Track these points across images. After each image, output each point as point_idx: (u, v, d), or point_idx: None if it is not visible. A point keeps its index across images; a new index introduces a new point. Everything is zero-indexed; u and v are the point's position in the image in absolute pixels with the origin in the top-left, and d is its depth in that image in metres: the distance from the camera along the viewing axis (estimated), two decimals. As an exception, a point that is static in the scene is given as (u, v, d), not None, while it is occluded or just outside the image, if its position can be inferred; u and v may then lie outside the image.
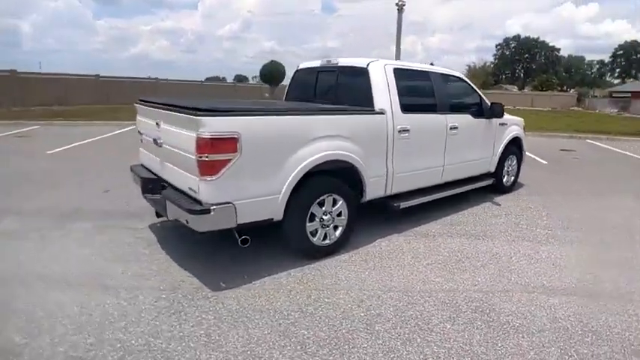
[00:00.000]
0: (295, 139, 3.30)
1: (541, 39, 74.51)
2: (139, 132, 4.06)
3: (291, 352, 2.39)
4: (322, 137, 3.44)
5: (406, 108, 4.15)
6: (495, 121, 5.50)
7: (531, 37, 75.54)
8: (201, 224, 2.95)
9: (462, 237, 4.30)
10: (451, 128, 4.74)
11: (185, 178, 3.13)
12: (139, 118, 4.05)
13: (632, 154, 10.60)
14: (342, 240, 3.81)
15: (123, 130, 12.23)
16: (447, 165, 4.82)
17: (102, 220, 4.54)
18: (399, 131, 4.08)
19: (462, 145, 4.98)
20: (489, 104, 5.39)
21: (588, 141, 13.08)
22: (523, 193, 6.18)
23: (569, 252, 3.95)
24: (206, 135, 2.80)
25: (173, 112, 3.15)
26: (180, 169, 3.19)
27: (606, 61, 68.84)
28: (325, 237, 3.67)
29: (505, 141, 5.81)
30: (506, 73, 78.05)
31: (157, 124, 3.46)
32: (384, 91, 4.01)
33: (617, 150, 11.35)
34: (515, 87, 62.61)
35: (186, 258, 3.62)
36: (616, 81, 66.77)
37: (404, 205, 4.32)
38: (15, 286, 3.06)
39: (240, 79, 73.98)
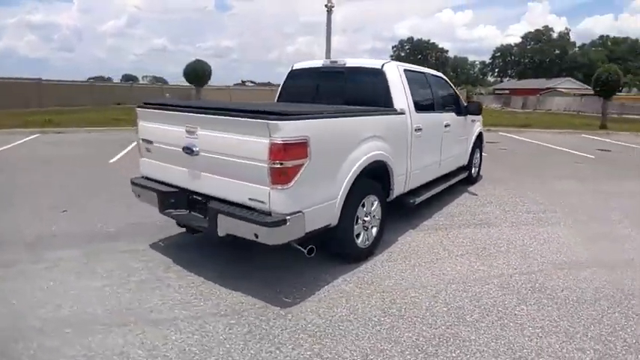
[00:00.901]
0: (350, 140, 3.27)
1: (431, 41, 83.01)
2: (144, 140, 3.56)
3: (412, 356, 2.39)
4: (368, 138, 3.46)
5: (418, 107, 4.37)
6: (469, 117, 6.09)
7: (423, 39, 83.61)
8: (274, 237, 2.74)
9: (470, 227, 4.70)
10: (445, 125, 5.13)
11: (242, 189, 2.86)
12: (144, 124, 3.55)
13: (545, 144, 12.54)
14: (377, 240, 3.87)
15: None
16: (442, 160, 5.20)
17: (86, 245, 3.88)
18: (415, 130, 4.29)
19: (451, 141, 5.42)
20: (465, 103, 5.96)
21: (501, 133, 15.13)
22: (485, 183, 6.94)
23: (562, 231, 4.60)
24: (280, 140, 2.61)
25: (229, 117, 2.85)
26: (234, 179, 2.90)
27: (487, 62, 79.54)
28: (366, 238, 3.69)
29: (474, 136, 6.46)
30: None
31: (188, 130, 3.09)
32: (401, 92, 4.16)
33: (531, 141, 13.35)
34: None
35: (223, 277, 3.30)
36: (495, 79, 77.91)
37: (418, 200, 4.55)
38: (43, 338, 2.48)
39: (128, 78, 67.59)
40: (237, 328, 2.64)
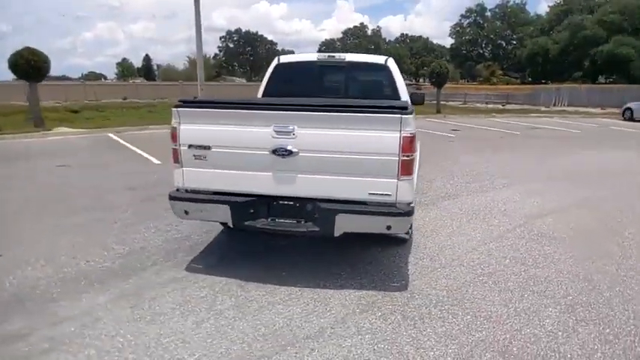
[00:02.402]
0: None
1: (259, 33, 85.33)
2: (192, 147, 3.12)
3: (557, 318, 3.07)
4: None
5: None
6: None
7: (251, 31, 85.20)
8: (405, 225, 2.98)
9: (461, 197, 5.75)
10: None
11: (360, 184, 2.95)
12: (191, 127, 3.09)
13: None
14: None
15: None
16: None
17: (111, 278, 3.23)
18: (411, 120, 4.94)
19: None
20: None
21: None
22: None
23: (530, 191, 6.09)
24: (409, 134, 2.85)
25: (351, 113, 2.87)
26: (349, 176, 2.95)
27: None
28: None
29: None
30: (233, 65, 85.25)
31: (279, 130, 2.95)
32: (403, 86, 4.72)
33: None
34: (244, 79, 68.88)
35: (317, 279, 3.31)
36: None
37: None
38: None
39: None
40: (391, 317, 2.81)
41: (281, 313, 2.87)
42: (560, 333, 2.67)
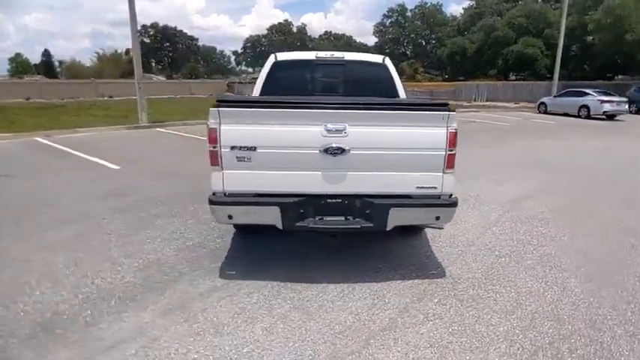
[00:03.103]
0: None
1: (178, 28, 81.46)
2: (234, 148, 3.02)
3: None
4: None
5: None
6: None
7: (170, 25, 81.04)
8: (451, 216, 3.20)
9: None
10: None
11: (408, 179, 3.10)
12: (233, 127, 2.99)
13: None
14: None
15: None
16: None
17: (143, 294, 3.02)
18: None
19: None
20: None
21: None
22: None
23: (499, 180, 6.63)
24: (454, 129, 3.07)
25: (402, 111, 3.01)
26: (399, 171, 3.09)
27: (239, 51, 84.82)
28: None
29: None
30: (150, 61, 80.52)
31: (330, 129, 2.99)
32: (400, 84, 4.97)
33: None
34: (162, 76, 65.40)
35: (367, 272, 3.41)
36: (250, 69, 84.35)
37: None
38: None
39: None
40: (447, 301, 3.03)
41: (344, 309, 2.93)
42: (591, 299, 3.09)
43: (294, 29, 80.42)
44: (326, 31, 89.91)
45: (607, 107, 17.99)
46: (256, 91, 4.87)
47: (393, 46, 66.96)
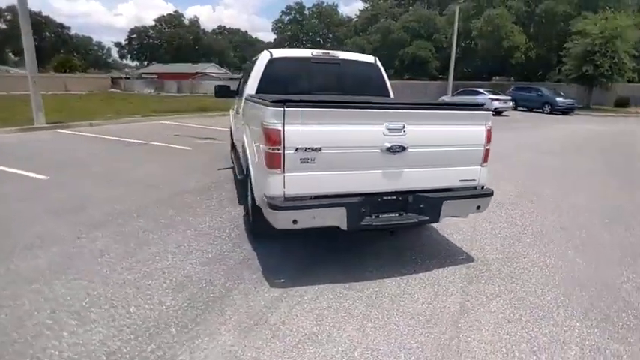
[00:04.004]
0: None
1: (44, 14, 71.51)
2: (299, 150, 2.98)
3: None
4: None
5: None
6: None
7: (33, 11, 70.57)
8: (487, 205, 3.59)
9: None
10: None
11: (454, 173, 3.42)
12: (299, 129, 2.95)
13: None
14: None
15: None
16: None
17: (201, 315, 2.84)
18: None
19: None
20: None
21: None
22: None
23: None
24: (490, 127, 3.47)
25: (451, 111, 3.31)
26: (447, 167, 3.37)
27: (123, 43, 77.51)
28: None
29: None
30: (4, 51, 69.61)
31: (391, 128, 3.15)
32: (389, 83, 5.29)
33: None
34: (20, 68, 56.71)
35: (388, 270, 3.62)
36: (134, 63, 77.74)
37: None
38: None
39: None
40: (493, 281, 3.41)
41: (415, 300, 3.11)
42: (593, 263, 3.78)
43: (186, 22, 76.44)
44: (219, 26, 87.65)
45: (497, 104, 20.94)
46: (251, 87, 4.78)
47: (291, 44, 68.03)
